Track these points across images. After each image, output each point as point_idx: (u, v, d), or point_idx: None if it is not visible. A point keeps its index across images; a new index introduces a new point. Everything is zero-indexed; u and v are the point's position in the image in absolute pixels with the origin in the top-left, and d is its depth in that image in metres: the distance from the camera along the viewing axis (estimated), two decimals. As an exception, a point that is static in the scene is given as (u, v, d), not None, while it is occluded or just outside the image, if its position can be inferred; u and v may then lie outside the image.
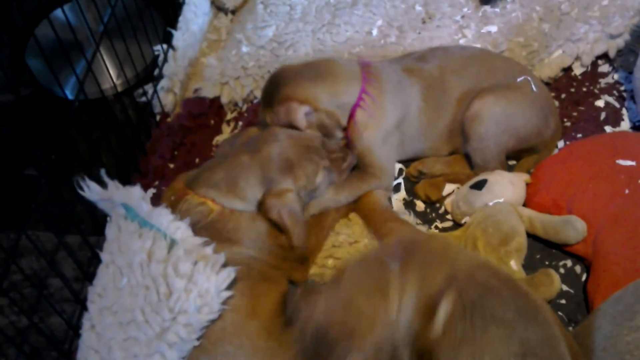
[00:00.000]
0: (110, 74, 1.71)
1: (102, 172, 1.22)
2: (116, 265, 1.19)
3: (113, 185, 1.22)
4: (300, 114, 1.39)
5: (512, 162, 1.54)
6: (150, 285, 1.12)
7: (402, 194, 1.54)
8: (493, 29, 1.84)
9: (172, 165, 1.65)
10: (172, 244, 1.15)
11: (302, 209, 1.34)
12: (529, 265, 1.34)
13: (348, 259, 1.28)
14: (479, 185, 1.39)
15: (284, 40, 1.86)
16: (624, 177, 1.31)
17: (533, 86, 1.50)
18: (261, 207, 1.28)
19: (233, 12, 2.05)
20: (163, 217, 1.17)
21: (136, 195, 1.19)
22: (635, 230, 1.24)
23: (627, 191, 1.30)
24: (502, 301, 1.09)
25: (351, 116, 1.43)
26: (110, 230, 1.23)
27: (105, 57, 1.71)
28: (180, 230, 1.16)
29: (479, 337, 1.06)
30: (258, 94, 1.76)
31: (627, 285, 1.14)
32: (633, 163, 1.34)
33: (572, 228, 1.30)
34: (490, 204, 1.37)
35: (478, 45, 1.77)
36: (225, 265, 1.14)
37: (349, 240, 1.43)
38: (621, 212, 1.27)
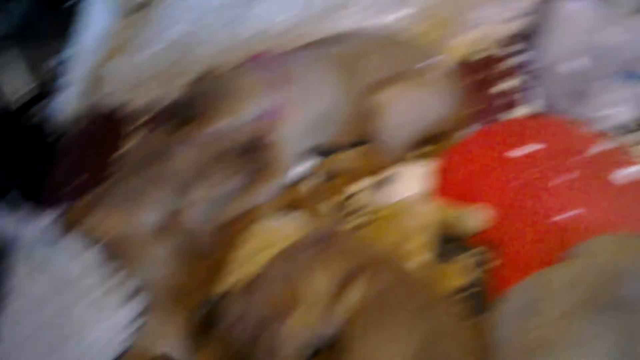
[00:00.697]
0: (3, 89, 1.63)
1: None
2: (22, 301, 1.17)
3: (14, 217, 1.19)
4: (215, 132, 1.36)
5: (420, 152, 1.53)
6: (56, 321, 1.10)
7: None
8: (407, 10, 1.80)
9: (76, 183, 1.56)
10: (80, 275, 1.13)
11: (209, 218, 1.33)
12: (437, 257, 1.35)
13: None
14: (382, 183, 1.41)
15: (190, 41, 1.81)
16: (521, 165, 1.35)
17: (439, 71, 1.50)
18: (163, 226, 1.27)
19: (138, 9, 1.98)
20: (68, 247, 1.16)
21: (39, 226, 1.18)
22: (533, 220, 1.27)
23: (526, 179, 1.33)
24: (406, 293, 1.12)
25: (266, 117, 1.42)
26: (13, 266, 1.19)
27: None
28: (88, 260, 1.15)
29: (384, 329, 1.08)
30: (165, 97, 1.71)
31: (530, 276, 1.15)
32: (534, 148, 1.37)
33: (474, 219, 1.33)
34: (396, 199, 1.39)
35: (391, 27, 1.74)
36: (136, 292, 1.13)
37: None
38: (518, 202, 1.31)
